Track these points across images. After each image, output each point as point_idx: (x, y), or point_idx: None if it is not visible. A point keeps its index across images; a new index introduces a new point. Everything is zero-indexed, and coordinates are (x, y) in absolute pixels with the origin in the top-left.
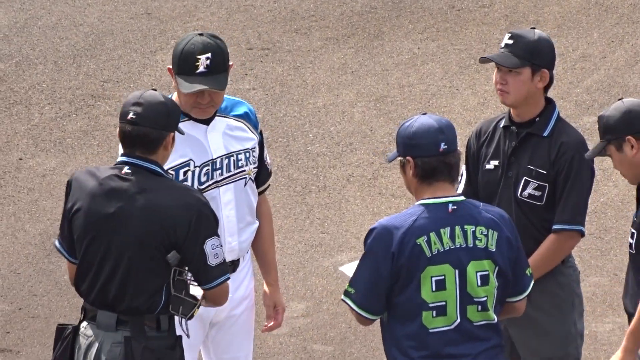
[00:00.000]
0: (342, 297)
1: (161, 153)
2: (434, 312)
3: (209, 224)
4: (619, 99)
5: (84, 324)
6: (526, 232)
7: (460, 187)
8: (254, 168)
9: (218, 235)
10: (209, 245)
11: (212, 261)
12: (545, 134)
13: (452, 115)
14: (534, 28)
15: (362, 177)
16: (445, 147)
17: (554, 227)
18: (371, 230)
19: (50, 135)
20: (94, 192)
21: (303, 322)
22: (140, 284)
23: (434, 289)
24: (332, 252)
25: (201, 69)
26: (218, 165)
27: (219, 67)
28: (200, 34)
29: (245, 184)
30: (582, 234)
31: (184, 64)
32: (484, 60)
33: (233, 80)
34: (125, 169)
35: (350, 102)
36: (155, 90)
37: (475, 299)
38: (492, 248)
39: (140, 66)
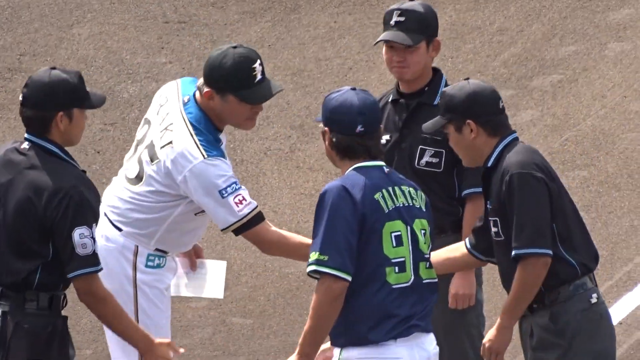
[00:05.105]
0: (314, 267)
1: (56, 132)
2: (397, 268)
3: (79, 212)
4: (465, 79)
5: None
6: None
7: None
8: None
9: (90, 226)
10: (77, 233)
11: (80, 251)
12: (436, 102)
13: (369, 89)
14: None
15: (279, 151)
16: (362, 129)
17: (466, 192)
18: (325, 193)
19: None
20: None
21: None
22: (16, 260)
23: (394, 244)
24: None
25: (259, 76)
26: None
27: (265, 71)
28: (234, 47)
29: None
30: None
31: (242, 78)
32: (384, 42)
33: (150, 53)
34: (25, 144)
35: (267, 76)
36: (54, 68)
37: (425, 256)
38: (424, 209)
39: (57, 40)
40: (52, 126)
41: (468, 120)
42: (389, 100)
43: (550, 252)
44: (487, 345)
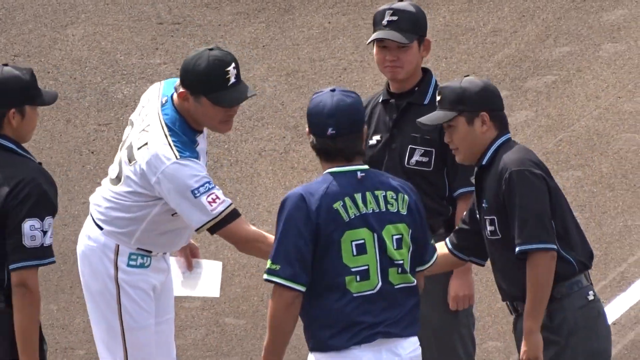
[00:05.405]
0: (266, 277)
1: (8, 129)
2: (358, 277)
3: (36, 204)
4: (466, 76)
5: None
6: None
7: None
8: None
9: (43, 219)
10: (27, 225)
11: (27, 242)
12: (426, 102)
13: (363, 90)
14: None
15: (274, 152)
16: (333, 132)
17: (458, 192)
18: (285, 201)
19: None
20: None
21: None
22: None
23: (354, 253)
24: None
25: (232, 80)
26: None
27: (240, 74)
28: (210, 49)
29: None
30: None
31: (215, 81)
32: (377, 42)
33: (144, 54)
34: None
35: (261, 77)
36: (6, 65)
37: (395, 262)
38: (404, 212)
39: (50, 40)
40: (5, 123)
41: (482, 112)
42: (379, 100)
43: (555, 246)
44: (524, 358)
